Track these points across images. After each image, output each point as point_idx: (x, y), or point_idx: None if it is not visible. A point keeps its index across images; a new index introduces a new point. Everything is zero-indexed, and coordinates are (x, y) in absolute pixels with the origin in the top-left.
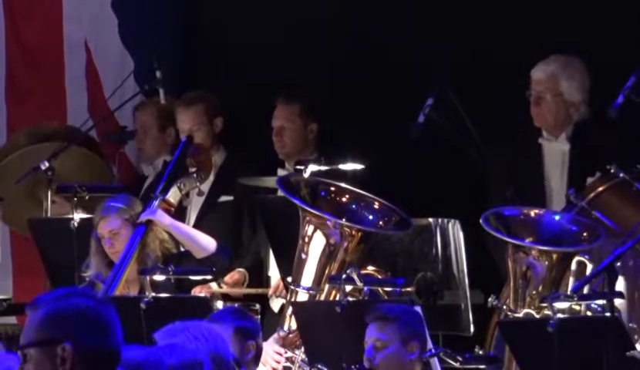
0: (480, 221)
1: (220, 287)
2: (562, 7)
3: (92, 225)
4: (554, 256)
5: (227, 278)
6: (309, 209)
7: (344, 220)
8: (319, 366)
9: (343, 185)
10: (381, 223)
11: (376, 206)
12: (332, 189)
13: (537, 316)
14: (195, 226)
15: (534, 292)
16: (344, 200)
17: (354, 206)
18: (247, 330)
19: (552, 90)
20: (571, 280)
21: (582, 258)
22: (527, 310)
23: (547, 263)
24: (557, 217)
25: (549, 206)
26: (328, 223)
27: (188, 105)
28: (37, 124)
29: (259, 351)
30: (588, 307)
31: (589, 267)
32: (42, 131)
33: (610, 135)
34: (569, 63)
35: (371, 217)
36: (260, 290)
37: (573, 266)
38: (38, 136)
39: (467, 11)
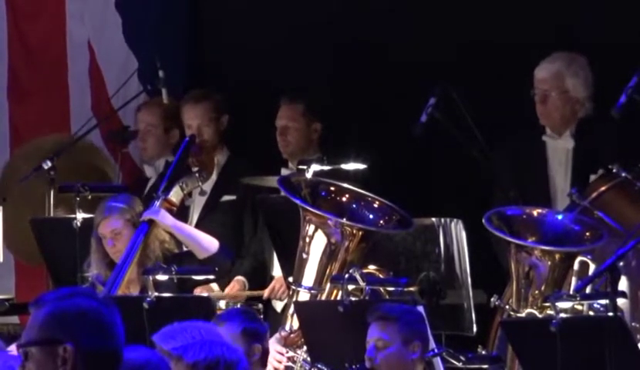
0: (483, 221)
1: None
2: (563, 5)
3: (93, 225)
4: (557, 256)
5: (228, 289)
6: (310, 208)
7: (345, 219)
8: (321, 366)
9: (343, 185)
10: (381, 222)
11: (376, 206)
12: (332, 188)
13: (540, 316)
14: (197, 225)
15: (537, 292)
16: (344, 199)
17: (354, 206)
18: (255, 332)
19: (558, 88)
20: (574, 279)
21: (585, 258)
22: (529, 310)
23: (549, 263)
24: (559, 217)
25: (554, 204)
26: (329, 222)
27: (197, 102)
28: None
29: (265, 354)
30: (591, 307)
31: (592, 267)
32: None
33: (612, 132)
34: (573, 60)
35: (371, 216)
36: (255, 293)
37: (575, 266)
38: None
39: (469, 9)
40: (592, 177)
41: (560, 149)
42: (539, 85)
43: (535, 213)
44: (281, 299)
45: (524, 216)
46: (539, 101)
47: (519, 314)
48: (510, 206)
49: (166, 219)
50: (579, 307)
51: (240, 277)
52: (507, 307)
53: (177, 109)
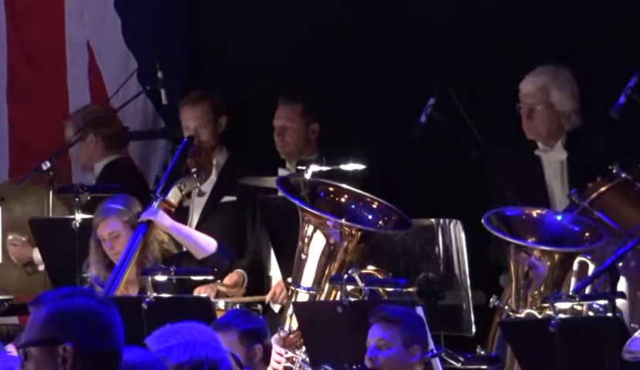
0: (482, 221)
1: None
2: (562, 11)
3: (92, 227)
4: (556, 256)
5: (226, 280)
6: (309, 209)
7: (343, 219)
8: (326, 366)
9: (342, 185)
10: (380, 222)
11: (375, 206)
12: (331, 189)
13: (539, 316)
14: (197, 226)
15: (536, 292)
16: (343, 200)
17: (353, 206)
18: (252, 332)
19: (543, 102)
20: (573, 280)
21: (584, 258)
22: (528, 310)
23: (549, 263)
24: (559, 218)
25: None
26: (328, 223)
27: (194, 103)
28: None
29: (267, 351)
30: (590, 308)
31: (591, 268)
32: None
33: (604, 136)
34: (558, 73)
35: (370, 217)
36: (257, 298)
37: (575, 266)
38: None
39: (468, 11)
40: (590, 186)
41: (553, 161)
42: (524, 100)
43: (534, 213)
44: (282, 303)
45: (524, 217)
46: (525, 115)
47: (518, 315)
48: (510, 207)
49: (164, 220)
50: (578, 308)
51: (239, 270)
52: (506, 307)
53: (95, 115)
